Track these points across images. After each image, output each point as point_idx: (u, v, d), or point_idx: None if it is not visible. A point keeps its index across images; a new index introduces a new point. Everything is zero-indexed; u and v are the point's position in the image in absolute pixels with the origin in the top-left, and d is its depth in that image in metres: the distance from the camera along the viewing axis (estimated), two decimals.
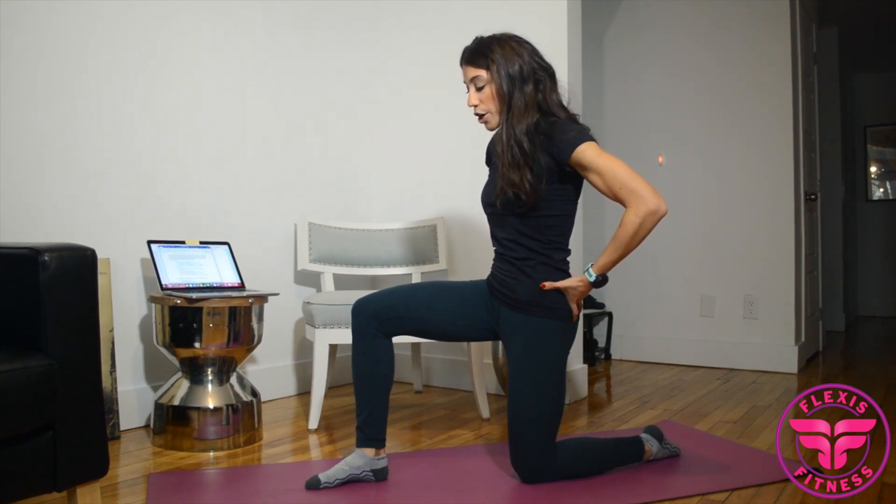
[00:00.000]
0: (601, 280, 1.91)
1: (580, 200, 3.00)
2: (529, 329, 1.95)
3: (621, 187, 1.83)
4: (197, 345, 2.35)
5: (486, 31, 2.02)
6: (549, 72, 1.98)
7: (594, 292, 4.34)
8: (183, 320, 2.34)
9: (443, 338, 2.13)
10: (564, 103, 2.00)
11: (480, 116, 2.00)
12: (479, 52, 1.95)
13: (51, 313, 1.51)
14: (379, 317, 1.97)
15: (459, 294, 2.08)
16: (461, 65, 2.01)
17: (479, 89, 1.96)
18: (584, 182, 1.98)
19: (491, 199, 2.01)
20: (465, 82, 2.01)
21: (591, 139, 1.90)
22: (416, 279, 3.14)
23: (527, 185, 1.88)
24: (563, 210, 1.98)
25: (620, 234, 1.84)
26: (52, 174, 2.42)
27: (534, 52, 1.97)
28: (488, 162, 2.20)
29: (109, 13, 2.57)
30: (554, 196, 1.94)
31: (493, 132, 2.06)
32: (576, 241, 3.07)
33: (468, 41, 2.02)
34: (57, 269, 1.52)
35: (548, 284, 1.93)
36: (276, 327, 3.11)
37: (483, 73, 1.94)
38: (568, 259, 2.03)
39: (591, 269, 1.91)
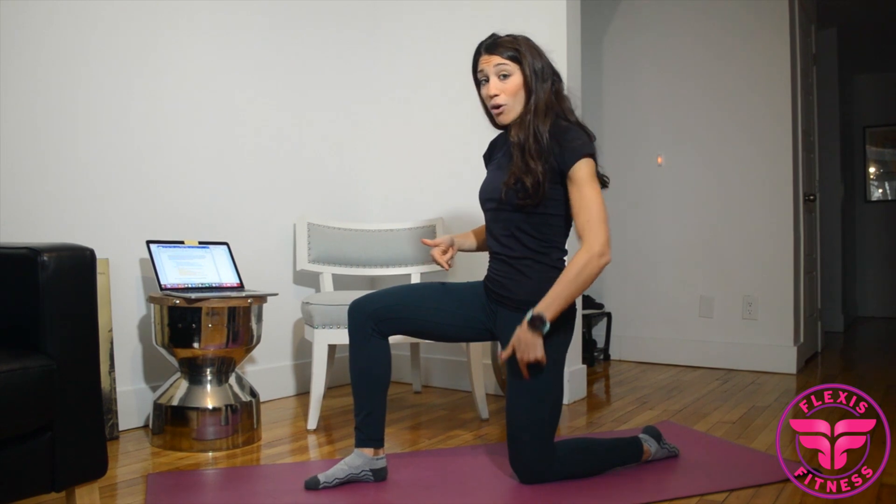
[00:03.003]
0: (538, 321, 1.83)
1: None
2: None
3: (588, 220, 1.87)
4: (196, 345, 2.35)
5: (478, 35, 2.03)
6: (559, 75, 2.02)
7: (593, 293, 4.34)
8: (182, 320, 2.34)
9: (439, 338, 2.13)
10: (574, 108, 2.03)
11: (497, 108, 1.98)
12: (506, 45, 1.95)
13: (49, 313, 1.51)
14: (375, 317, 1.97)
15: (456, 295, 2.08)
16: (482, 54, 1.99)
17: (502, 79, 1.95)
18: None
19: (492, 195, 2.02)
20: (480, 73, 2.00)
21: (591, 155, 1.92)
22: (415, 280, 3.14)
23: (540, 176, 1.89)
24: (562, 210, 1.99)
25: (566, 274, 1.86)
26: (52, 174, 2.42)
27: (546, 56, 2.00)
28: (487, 159, 2.20)
29: (109, 13, 2.57)
30: (555, 195, 1.95)
31: (497, 132, 2.06)
32: (575, 242, 3.07)
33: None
34: (56, 269, 1.52)
35: (503, 354, 1.90)
36: (275, 328, 3.11)
37: (510, 64, 1.94)
38: (564, 259, 2.03)
39: (529, 311, 1.87)
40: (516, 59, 1.94)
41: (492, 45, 1.97)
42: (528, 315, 1.85)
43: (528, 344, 1.85)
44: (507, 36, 1.99)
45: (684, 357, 4.09)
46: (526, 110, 1.95)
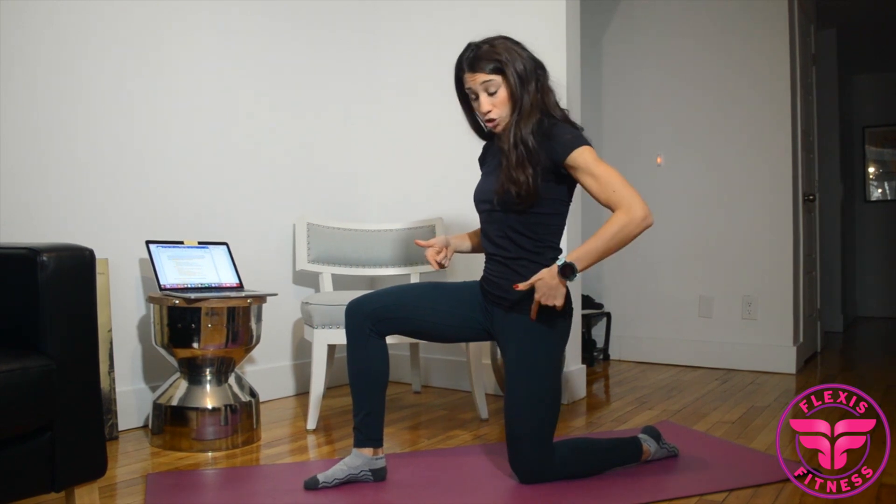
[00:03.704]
0: (569, 269, 1.83)
1: (580, 200, 3.01)
2: (524, 329, 1.95)
3: (615, 191, 1.85)
4: (195, 345, 2.35)
5: (478, 35, 2.00)
6: (543, 67, 1.99)
7: (593, 293, 4.34)
8: (181, 320, 2.34)
9: (437, 339, 2.13)
10: (559, 100, 2.01)
11: (491, 122, 1.98)
12: (487, 58, 1.92)
13: (49, 314, 1.51)
14: (373, 317, 1.97)
15: (454, 295, 2.08)
16: (465, 72, 1.96)
17: (491, 94, 1.94)
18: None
19: (486, 197, 2.02)
20: (467, 90, 1.98)
21: (587, 143, 1.92)
22: (414, 280, 3.14)
23: (529, 183, 1.89)
24: (557, 209, 1.99)
25: (604, 230, 1.84)
26: (52, 174, 2.42)
27: (527, 50, 1.98)
28: (482, 161, 2.20)
29: (109, 14, 2.56)
30: (549, 195, 1.95)
31: (482, 141, 2.07)
32: (575, 242, 3.07)
33: (467, 42, 2.01)
34: (55, 269, 1.51)
35: (521, 285, 1.88)
36: (274, 328, 3.10)
37: (496, 78, 1.92)
38: (559, 258, 2.03)
39: (561, 256, 1.88)
40: (499, 71, 1.92)
41: (473, 60, 1.94)
42: (560, 261, 1.84)
43: (551, 288, 1.84)
44: (485, 45, 1.95)
45: (684, 357, 4.09)
46: (512, 118, 1.94)
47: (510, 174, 1.91)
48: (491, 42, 1.96)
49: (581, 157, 1.88)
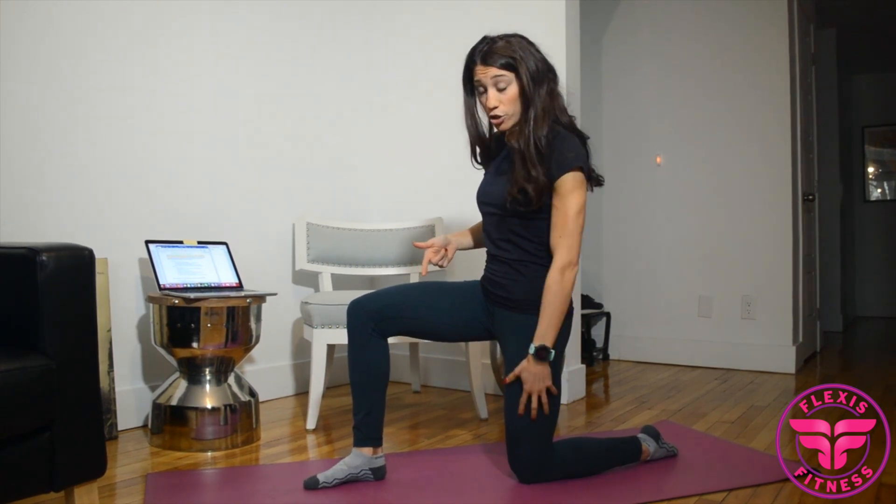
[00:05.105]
0: (544, 352, 1.87)
1: None
2: (524, 328, 1.95)
3: (562, 235, 1.89)
4: (195, 345, 2.35)
5: (477, 35, 1.98)
6: (554, 71, 1.98)
7: (593, 293, 4.34)
8: (181, 320, 2.34)
9: (438, 338, 2.13)
10: (566, 106, 2.01)
11: (496, 118, 1.96)
12: (501, 53, 1.90)
13: (48, 313, 1.51)
14: (375, 316, 1.97)
15: (455, 294, 2.09)
16: (477, 64, 1.93)
17: (500, 90, 1.92)
18: None
19: (495, 200, 2.00)
20: (476, 82, 1.95)
21: (580, 166, 1.90)
22: (413, 280, 3.14)
23: (542, 181, 1.88)
24: None
25: (548, 299, 1.88)
26: (52, 174, 2.42)
27: (541, 52, 1.96)
28: (484, 161, 2.19)
29: (109, 14, 2.56)
30: (549, 201, 1.94)
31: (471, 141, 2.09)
32: None
33: (467, 41, 2.00)
34: (55, 269, 1.51)
35: (508, 378, 1.93)
36: (274, 327, 3.10)
37: (507, 74, 1.90)
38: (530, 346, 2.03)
39: (531, 345, 1.90)
40: (512, 68, 1.89)
41: (486, 54, 1.91)
42: (532, 349, 1.88)
43: (536, 376, 1.88)
44: (501, 41, 1.92)
45: (683, 357, 4.09)
46: (524, 119, 1.92)
47: (528, 173, 1.89)
48: (507, 38, 1.93)
49: (564, 183, 1.88)
